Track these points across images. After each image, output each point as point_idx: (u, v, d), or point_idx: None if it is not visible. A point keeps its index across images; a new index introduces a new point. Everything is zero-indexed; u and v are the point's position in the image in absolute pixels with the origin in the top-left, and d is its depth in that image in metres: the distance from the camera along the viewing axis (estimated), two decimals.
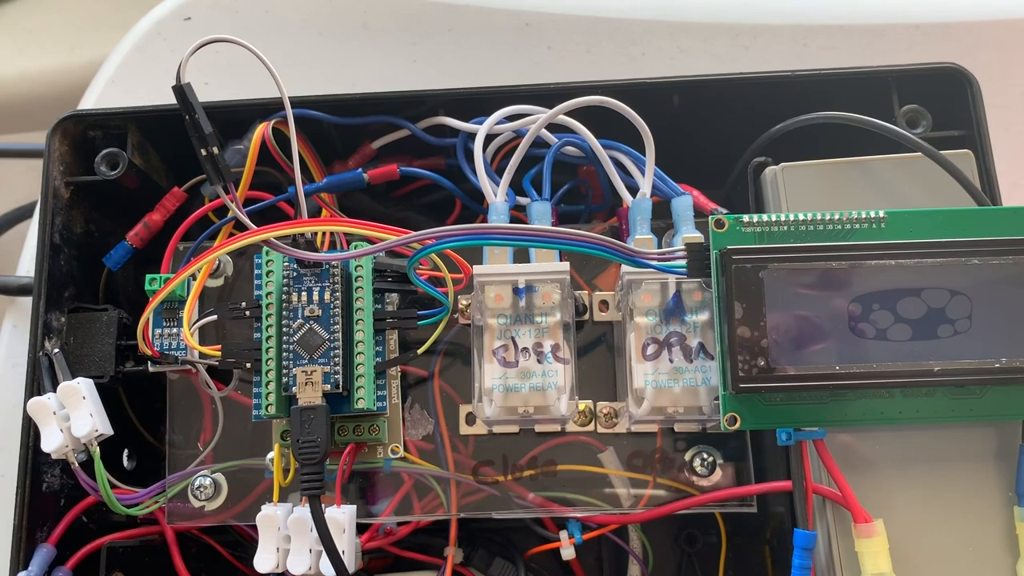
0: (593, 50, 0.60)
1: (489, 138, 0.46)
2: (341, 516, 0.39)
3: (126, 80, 0.61)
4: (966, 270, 0.36)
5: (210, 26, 0.62)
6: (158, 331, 0.46)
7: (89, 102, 0.61)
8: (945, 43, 0.59)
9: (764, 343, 0.36)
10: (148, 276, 0.45)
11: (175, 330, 0.45)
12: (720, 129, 0.47)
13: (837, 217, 0.37)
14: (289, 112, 0.38)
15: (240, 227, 0.40)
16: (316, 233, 0.43)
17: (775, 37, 0.59)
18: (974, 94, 0.45)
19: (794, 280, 0.36)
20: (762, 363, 0.35)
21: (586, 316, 0.45)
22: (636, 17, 0.60)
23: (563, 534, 0.44)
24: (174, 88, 0.36)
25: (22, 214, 0.68)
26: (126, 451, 0.50)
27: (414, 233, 0.36)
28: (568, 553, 0.44)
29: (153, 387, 0.47)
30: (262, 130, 0.44)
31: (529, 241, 0.36)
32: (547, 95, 0.45)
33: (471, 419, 0.44)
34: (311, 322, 0.40)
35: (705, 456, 0.43)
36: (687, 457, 0.43)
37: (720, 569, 0.49)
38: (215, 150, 0.37)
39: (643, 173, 0.44)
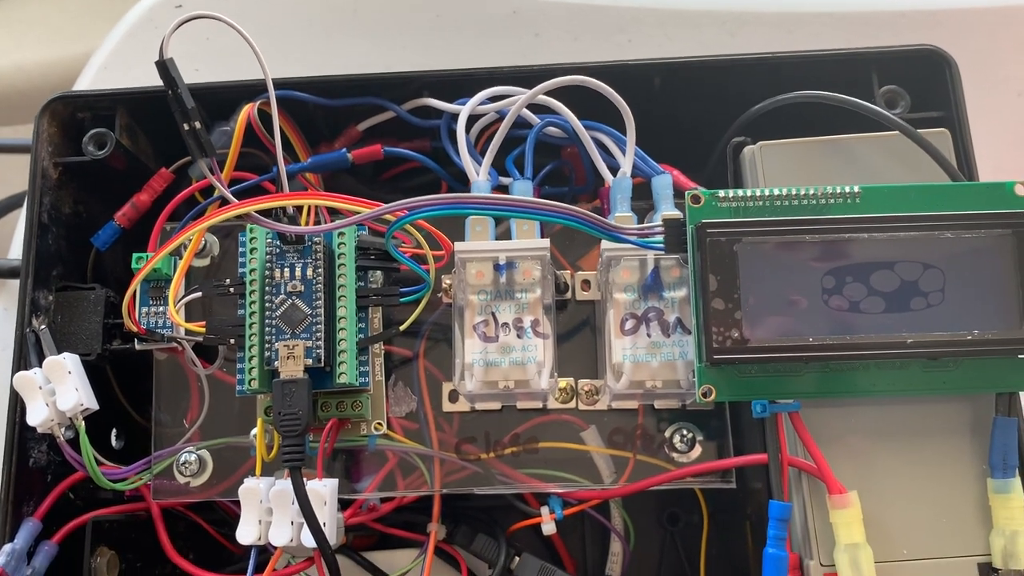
0: (580, 37, 0.60)
1: (473, 119, 0.46)
2: (323, 489, 0.40)
3: (118, 66, 0.61)
4: (939, 244, 0.36)
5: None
6: (144, 309, 0.46)
7: (81, 87, 0.61)
8: (930, 30, 0.60)
9: (738, 315, 0.36)
10: (135, 255, 0.45)
11: (162, 308, 0.46)
12: (702, 111, 0.48)
13: (812, 192, 0.38)
14: (271, 89, 0.39)
15: (225, 205, 0.41)
16: (299, 210, 0.43)
17: (761, 24, 0.60)
18: (953, 75, 0.45)
19: (768, 253, 0.36)
20: (736, 335, 0.36)
21: (568, 295, 0.45)
22: (623, 5, 0.60)
23: (544, 510, 0.45)
24: (157, 63, 0.37)
25: (14, 202, 0.68)
26: (114, 431, 0.50)
27: (387, 205, 0.36)
28: (549, 528, 0.44)
29: (141, 367, 0.48)
30: (247, 111, 0.45)
31: (503, 210, 0.37)
32: (530, 76, 0.46)
33: (454, 396, 0.44)
34: (293, 298, 0.41)
35: (685, 433, 0.43)
36: (667, 434, 0.44)
37: (702, 546, 0.49)
38: (197, 125, 0.37)
39: (624, 153, 0.44)
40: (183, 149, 0.49)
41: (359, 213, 0.37)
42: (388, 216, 0.37)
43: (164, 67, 0.37)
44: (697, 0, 0.60)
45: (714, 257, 0.36)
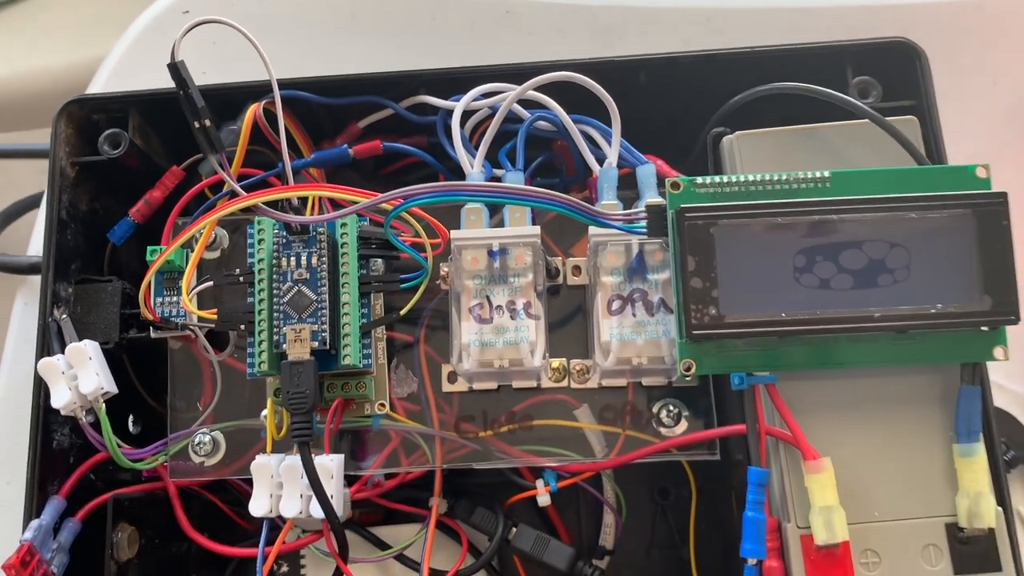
0: (571, 36, 0.63)
1: (468, 115, 0.49)
2: (330, 463, 0.42)
3: (129, 70, 0.64)
4: (904, 223, 0.39)
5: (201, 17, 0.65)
6: (159, 299, 0.49)
7: (94, 92, 0.64)
8: (907, 22, 0.62)
9: (715, 293, 0.38)
10: (149, 248, 0.48)
11: (175, 298, 0.48)
12: (684, 104, 0.50)
13: (784, 177, 0.40)
14: (276, 89, 0.41)
15: (235, 198, 0.43)
16: (304, 203, 0.46)
17: (746, 21, 0.62)
18: (923, 66, 0.47)
19: (743, 235, 0.39)
20: (713, 311, 0.38)
21: (559, 280, 0.48)
22: (612, 4, 0.63)
23: (539, 483, 0.47)
24: (169, 65, 0.39)
25: (32, 202, 0.71)
26: (131, 417, 0.53)
27: (384, 194, 0.39)
28: (544, 500, 0.47)
29: (156, 356, 0.50)
30: (254, 110, 0.47)
31: (493, 197, 0.39)
32: (521, 73, 0.48)
33: (453, 377, 0.47)
34: (300, 285, 0.43)
35: (671, 408, 0.46)
36: (655, 410, 0.46)
37: (691, 518, 0.51)
38: (207, 123, 0.40)
39: (610, 145, 0.46)
40: (193, 148, 0.52)
41: (358, 202, 0.39)
42: (386, 205, 0.39)
43: (176, 69, 0.39)
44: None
45: (692, 239, 0.39)
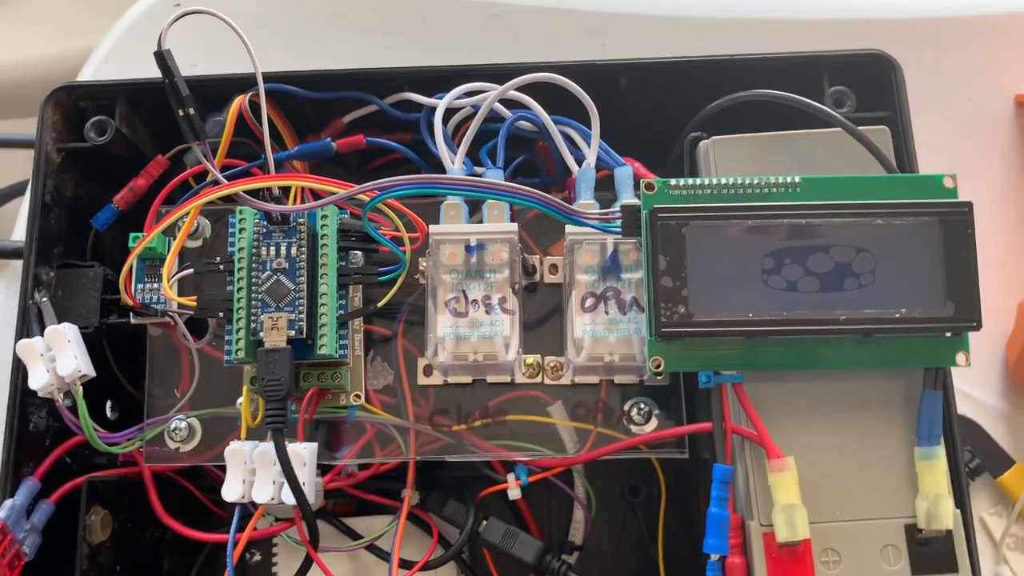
0: (558, 40, 0.64)
1: (452, 113, 0.50)
2: (303, 451, 0.43)
3: (118, 60, 0.65)
4: (871, 230, 0.40)
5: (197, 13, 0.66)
6: (140, 286, 0.49)
7: (86, 76, 0.64)
8: (889, 37, 0.63)
9: (684, 292, 0.39)
10: (132, 235, 0.48)
11: (156, 285, 0.49)
12: (665, 109, 0.51)
13: (756, 181, 0.41)
14: (260, 81, 0.42)
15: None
16: (287, 194, 0.46)
17: (730, 30, 0.63)
18: (897, 78, 0.49)
19: (714, 236, 0.40)
20: (682, 310, 0.39)
21: (536, 278, 0.48)
22: (599, 10, 0.64)
23: (510, 476, 0.48)
24: (155, 54, 0.40)
25: (18, 189, 0.72)
26: (109, 402, 0.53)
27: (362, 185, 0.40)
28: (514, 493, 0.48)
29: (136, 342, 0.51)
30: (239, 101, 0.48)
31: (470, 191, 0.40)
32: (504, 73, 0.49)
33: (428, 370, 0.47)
34: (278, 274, 0.44)
35: (642, 406, 0.46)
36: (626, 407, 0.47)
37: (661, 516, 0.52)
38: (192, 111, 0.40)
39: (590, 146, 0.47)
40: (178, 138, 0.52)
41: (336, 193, 0.40)
42: (363, 196, 0.40)
43: (161, 57, 0.40)
44: (669, 6, 0.63)
45: (663, 239, 0.40)
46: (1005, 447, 0.55)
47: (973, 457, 0.55)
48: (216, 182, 0.42)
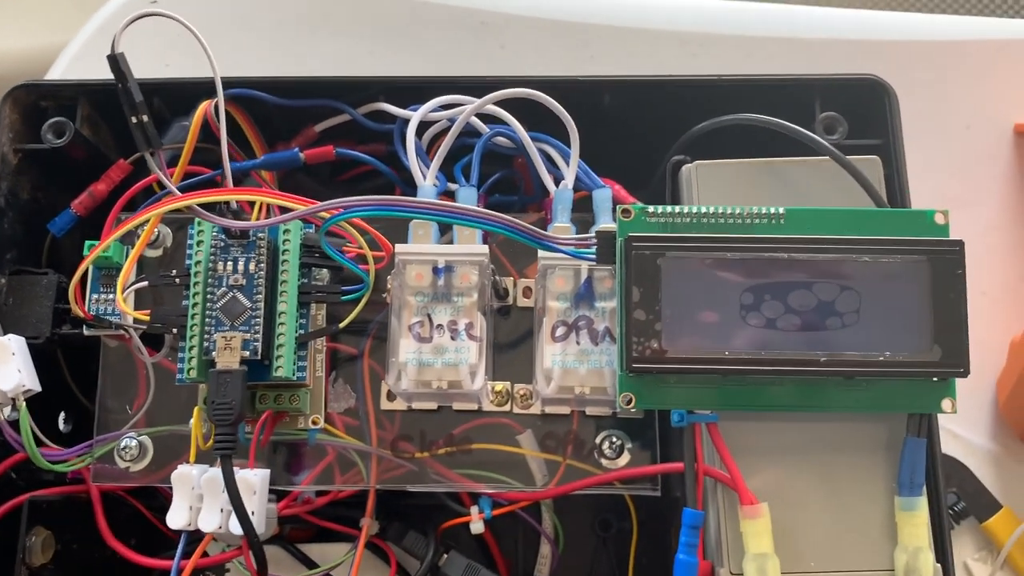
0: (545, 51, 0.62)
1: (427, 126, 0.48)
2: (253, 478, 0.41)
3: (91, 58, 0.63)
4: (856, 267, 0.38)
5: (175, 11, 0.64)
6: (95, 296, 0.47)
7: (54, 77, 0.62)
8: (885, 60, 0.61)
9: (658, 327, 0.37)
10: (87, 243, 0.46)
11: (112, 296, 0.47)
12: (649, 129, 0.49)
13: (738, 211, 0.39)
14: (219, 86, 0.40)
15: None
16: (243, 207, 0.44)
17: (720, 46, 0.61)
18: (891, 104, 0.47)
19: (691, 268, 0.38)
20: (655, 345, 0.37)
21: (509, 300, 0.46)
22: (588, 21, 0.62)
23: (474, 509, 0.46)
24: (108, 57, 0.38)
25: None
26: (62, 414, 0.51)
27: (322, 203, 0.37)
28: (477, 527, 0.45)
29: (91, 353, 0.48)
30: (204, 107, 0.46)
31: (434, 215, 0.38)
32: (484, 86, 0.47)
33: (392, 395, 0.45)
34: (235, 291, 0.42)
35: (614, 440, 0.44)
36: (597, 440, 0.45)
37: (632, 552, 0.50)
38: (145, 118, 0.38)
39: (569, 166, 0.45)
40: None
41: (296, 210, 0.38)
42: (325, 214, 0.38)
43: (115, 61, 0.38)
44: (660, 20, 0.61)
45: (638, 269, 0.38)
46: (992, 490, 0.53)
47: (959, 500, 0.53)
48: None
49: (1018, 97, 0.60)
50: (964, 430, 0.55)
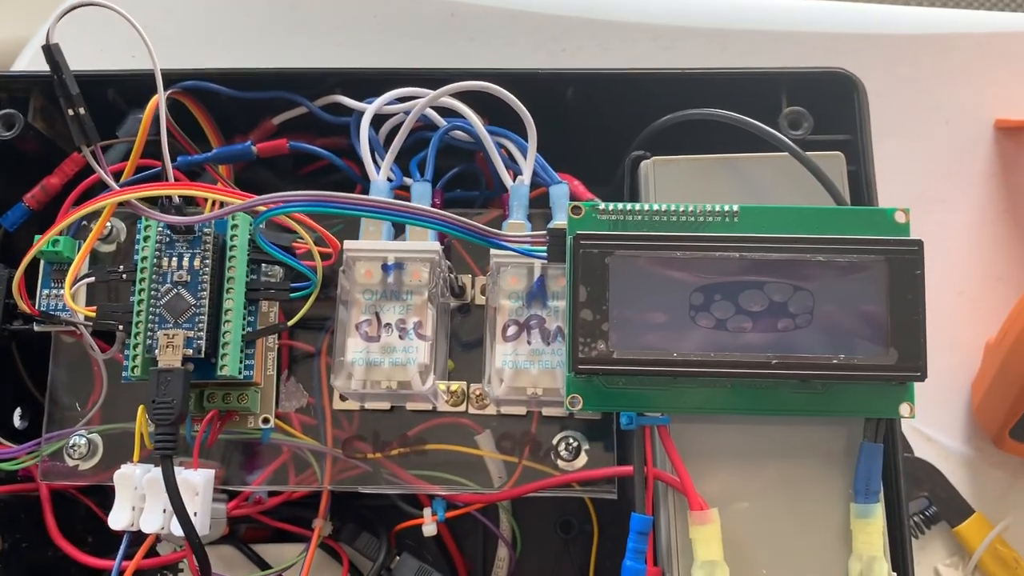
0: (515, 44, 0.60)
1: (384, 119, 0.47)
2: (195, 479, 0.40)
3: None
4: (811, 266, 0.36)
5: (141, 2, 0.63)
6: (47, 292, 0.46)
7: (20, 68, 0.62)
8: (863, 54, 0.60)
9: (605, 327, 0.36)
10: (36, 236, 0.45)
11: (63, 291, 0.46)
12: (614, 124, 0.48)
13: (691, 209, 0.38)
14: (159, 80, 0.40)
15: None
16: (199, 202, 0.43)
17: (695, 39, 0.60)
18: (860, 99, 0.45)
19: (639, 268, 0.36)
20: (602, 346, 0.36)
21: (467, 298, 0.45)
22: (560, 14, 0.61)
23: (427, 511, 0.45)
24: (43, 48, 0.37)
25: None
26: (18, 410, 0.50)
27: (259, 197, 0.37)
28: (429, 530, 0.45)
29: (48, 348, 0.48)
30: (157, 100, 0.45)
31: (373, 212, 0.37)
32: (442, 79, 0.46)
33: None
34: (179, 287, 0.41)
35: (571, 441, 0.43)
36: (554, 441, 0.44)
37: (593, 554, 0.49)
38: (82, 111, 0.37)
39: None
40: (102, 135, 0.50)
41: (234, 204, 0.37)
42: (262, 208, 0.37)
43: (49, 52, 0.37)
44: (633, 13, 0.60)
45: (585, 268, 0.36)
46: (965, 495, 0.52)
47: (930, 504, 0.52)
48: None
49: (999, 92, 0.58)
50: (937, 433, 0.54)
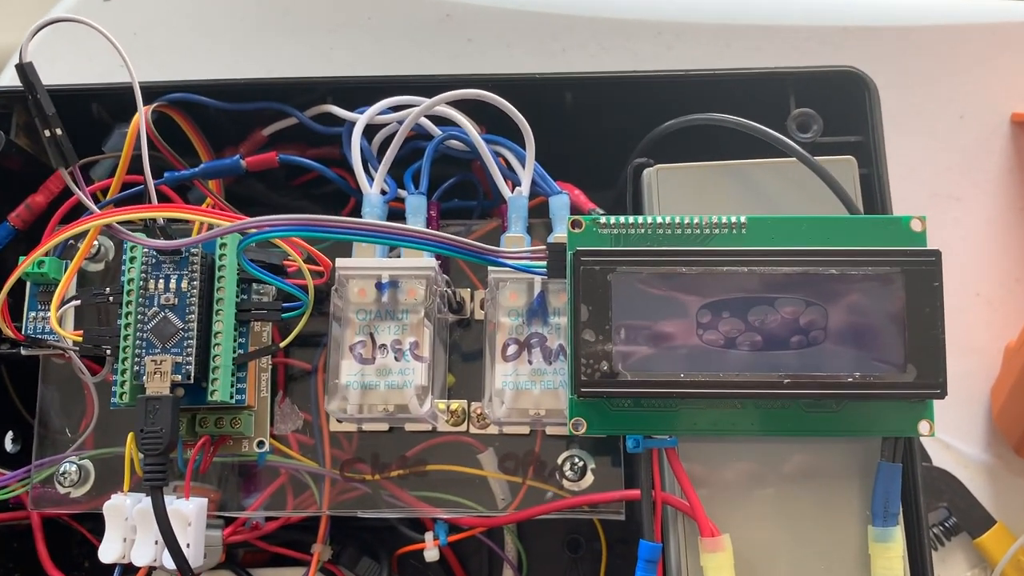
0: (513, 44, 0.59)
1: (377, 129, 0.45)
2: (188, 509, 0.39)
3: (42, 60, 0.60)
4: (823, 280, 0.35)
5: (130, 8, 0.62)
6: (33, 314, 0.45)
7: (4, 80, 0.60)
8: (873, 47, 0.58)
9: (608, 348, 0.34)
10: (21, 258, 0.44)
11: (50, 313, 0.45)
12: (615, 128, 0.46)
13: (696, 221, 0.36)
14: (138, 94, 0.38)
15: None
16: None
17: (698, 36, 0.58)
18: (871, 99, 0.43)
19: (643, 284, 0.35)
20: (605, 368, 0.34)
21: (466, 313, 0.44)
22: (558, 12, 0.59)
23: (428, 535, 0.43)
24: (16, 67, 0.36)
25: None
26: (10, 433, 0.49)
27: (241, 221, 0.35)
28: (431, 555, 0.43)
29: (38, 370, 0.47)
30: (139, 116, 0.43)
31: (364, 236, 0.35)
32: (436, 86, 0.44)
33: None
34: (166, 311, 0.39)
35: (576, 461, 0.42)
36: (559, 461, 0.42)
37: (601, 574, 0.48)
38: (59, 131, 0.36)
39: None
40: (88, 150, 0.49)
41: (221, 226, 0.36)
42: (254, 230, 0.35)
43: (23, 72, 0.35)
44: (633, 11, 0.58)
45: (587, 286, 0.35)
46: (986, 504, 0.50)
47: (950, 515, 0.51)
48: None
49: (1015, 84, 0.56)
50: (956, 441, 0.52)
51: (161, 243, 0.37)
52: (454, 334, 0.44)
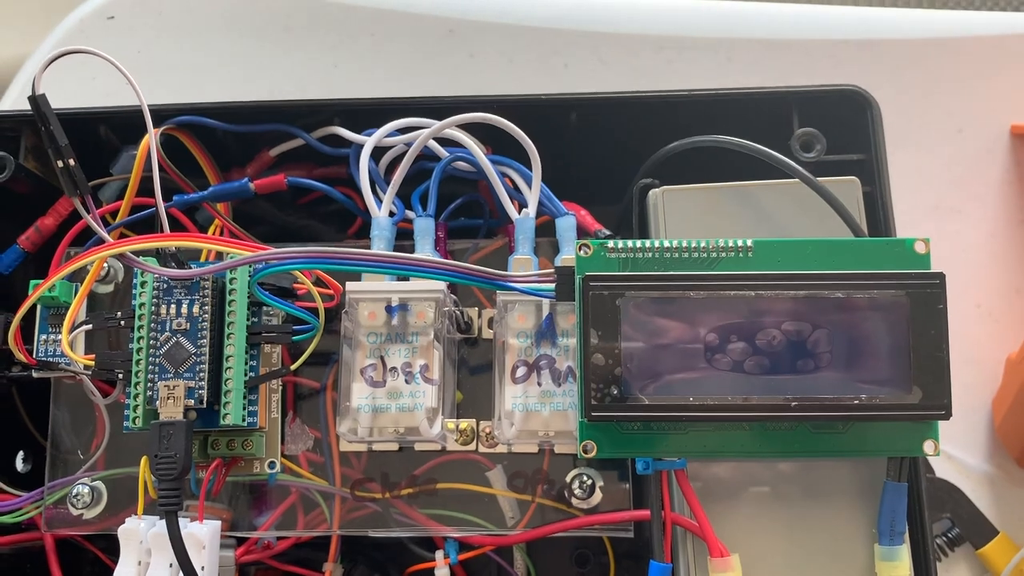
0: (516, 59, 0.59)
1: (384, 150, 0.45)
2: (201, 532, 0.39)
3: (48, 79, 0.60)
4: (829, 303, 0.35)
5: (133, 26, 0.62)
6: (44, 337, 0.45)
7: (9, 101, 0.60)
8: (871, 62, 0.58)
9: (618, 371, 0.35)
10: (32, 282, 0.44)
11: (61, 336, 0.45)
12: (620, 147, 0.47)
13: (703, 245, 0.36)
14: (148, 117, 0.38)
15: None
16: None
17: (700, 51, 0.58)
18: (874, 117, 0.44)
19: (651, 309, 0.35)
20: (615, 392, 0.35)
21: (473, 332, 0.44)
22: (560, 27, 0.59)
23: (439, 554, 0.44)
24: (29, 99, 0.36)
25: None
26: (20, 453, 0.50)
27: (256, 253, 0.35)
28: (443, 573, 0.44)
29: (49, 391, 0.47)
30: (148, 139, 0.44)
31: (376, 268, 0.36)
32: (442, 108, 0.44)
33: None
34: (178, 335, 0.40)
35: (585, 479, 0.42)
36: (568, 479, 0.43)
37: None
38: (71, 162, 0.36)
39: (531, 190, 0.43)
40: (96, 172, 0.49)
41: (237, 256, 0.36)
42: (264, 262, 0.36)
43: (36, 103, 0.36)
44: (634, 25, 0.58)
45: (596, 311, 0.35)
46: (988, 515, 0.51)
47: (953, 525, 0.51)
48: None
49: (1014, 97, 0.57)
50: (958, 452, 0.53)
51: (175, 272, 0.37)
52: (462, 351, 0.45)
